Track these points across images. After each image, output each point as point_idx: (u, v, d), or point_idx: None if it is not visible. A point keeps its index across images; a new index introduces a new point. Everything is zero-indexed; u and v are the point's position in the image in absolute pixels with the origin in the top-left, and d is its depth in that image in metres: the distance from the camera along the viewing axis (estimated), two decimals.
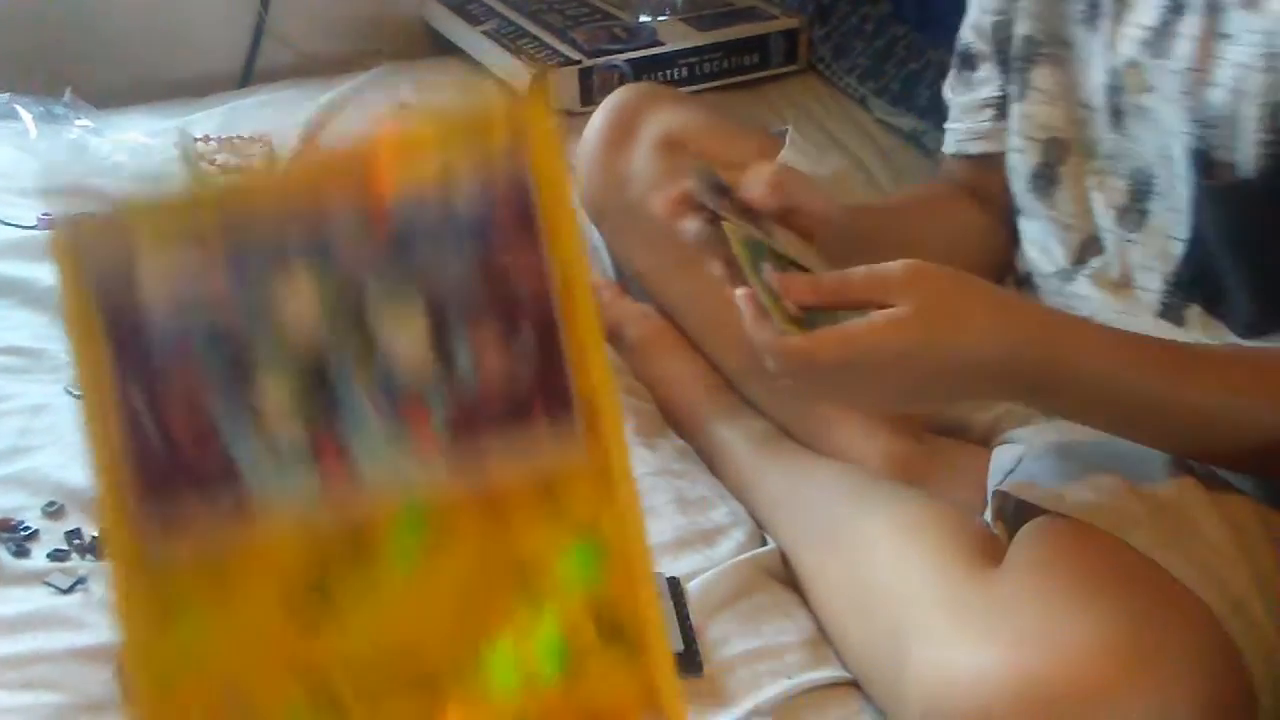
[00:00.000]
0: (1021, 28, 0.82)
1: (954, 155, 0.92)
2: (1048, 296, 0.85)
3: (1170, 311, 0.77)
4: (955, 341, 0.64)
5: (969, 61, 0.90)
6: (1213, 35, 0.68)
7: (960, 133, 0.92)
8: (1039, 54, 0.80)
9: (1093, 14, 0.76)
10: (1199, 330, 0.76)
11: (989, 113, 0.89)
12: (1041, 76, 0.81)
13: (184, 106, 1.37)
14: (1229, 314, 0.74)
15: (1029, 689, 0.60)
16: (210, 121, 1.34)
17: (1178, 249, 0.75)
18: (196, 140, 1.29)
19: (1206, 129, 0.70)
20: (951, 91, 0.92)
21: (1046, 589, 0.64)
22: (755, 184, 0.73)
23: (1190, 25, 0.69)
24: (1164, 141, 0.73)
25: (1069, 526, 0.68)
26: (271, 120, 1.34)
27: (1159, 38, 0.71)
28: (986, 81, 0.88)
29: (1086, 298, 0.81)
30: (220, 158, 1.27)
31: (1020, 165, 0.84)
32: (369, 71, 1.46)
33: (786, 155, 0.93)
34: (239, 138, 1.31)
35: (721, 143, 0.98)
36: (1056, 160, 0.81)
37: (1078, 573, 0.65)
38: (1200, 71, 0.69)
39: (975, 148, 0.90)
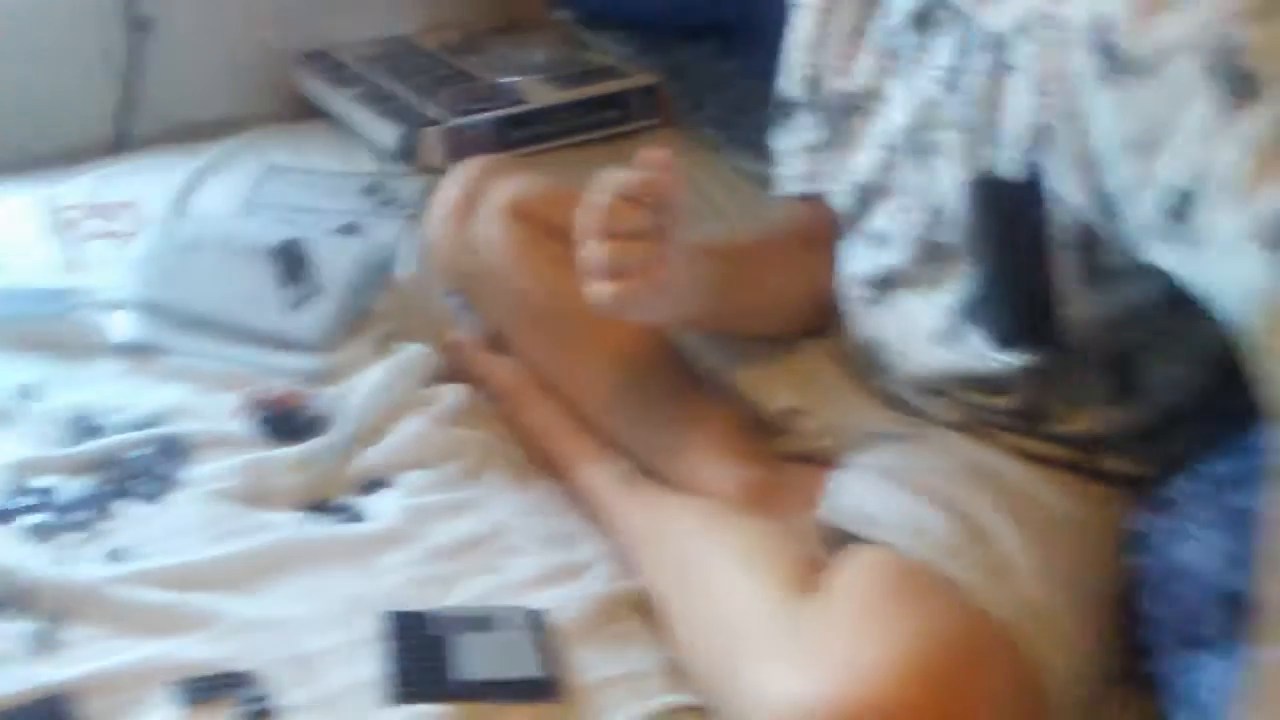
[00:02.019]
0: (836, 82, 0.89)
1: (784, 196, 1.00)
2: (857, 316, 0.92)
3: (949, 328, 0.83)
4: None
5: (787, 110, 0.97)
6: (999, 68, 0.75)
7: (786, 175, 0.99)
8: (853, 107, 0.88)
9: (899, 66, 0.83)
10: (978, 346, 0.81)
11: (808, 156, 0.96)
12: (852, 125, 0.88)
13: (53, 175, 1.37)
14: (986, 327, 0.80)
15: (838, 712, 0.65)
16: (79, 189, 1.34)
17: (966, 273, 0.81)
18: (67, 208, 1.30)
19: (984, 149, 0.76)
20: (776, 140, 1.00)
21: (853, 612, 0.70)
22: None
23: (979, 61, 0.76)
24: (957, 173, 0.79)
25: (879, 551, 0.74)
26: (142, 186, 1.35)
27: (953, 75, 0.78)
28: (804, 128, 0.96)
29: (887, 321, 0.88)
30: (89, 225, 1.29)
31: (836, 202, 0.92)
32: (239, 136, 1.49)
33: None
34: (109, 204, 1.32)
35: (561, 206, 1.04)
36: (864, 201, 0.88)
37: (883, 594, 0.70)
38: (991, 104, 0.75)
39: (800, 188, 0.98)
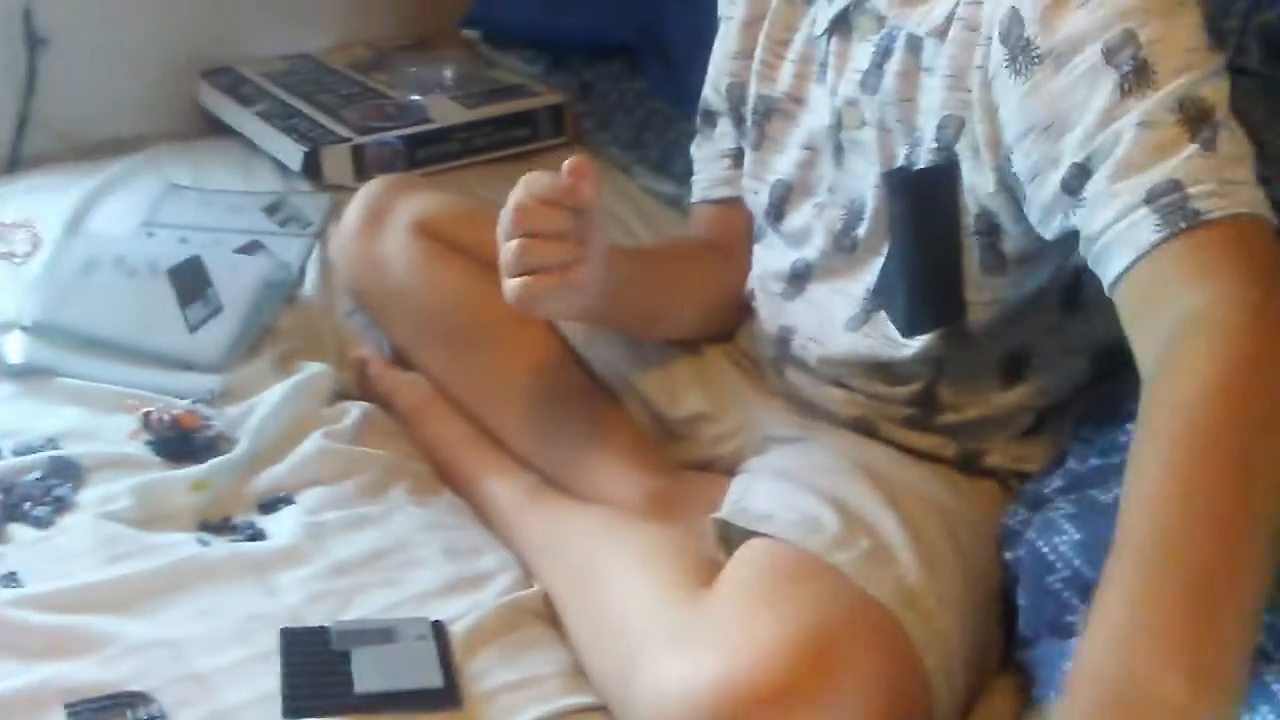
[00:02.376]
0: (762, 89, 0.93)
1: (699, 202, 1.03)
2: (771, 309, 0.95)
3: (863, 315, 0.87)
4: None
5: (709, 119, 1.01)
6: (915, 69, 0.80)
7: (703, 181, 1.03)
8: (775, 109, 0.92)
9: (822, 71, 0.88)
10: (885, 327, 0.85)
11: (727, 162, 1.00)
12: (774, 128, 0.92)
13: None
14: (894, 311, 0.84)
15: (728, 693, 0.67)
16: None
17: (879, 264, 0.85)
18: None
19: (902, 146, 0.81)
20: (696, 148, 1.03)
21: (743, 601, 0.73)
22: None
23: (895, 63, 0.81)
24: (874, 170, 0.84)
25: (770, 545, 0.77)
26: (38, 206, 1.33)
27: (870, 77, 0.83)
28: (725, 135, 0.99)
29: (802, 312, 0.91)
30: None
31: (754, 203, 0.95)
32: (139, 153, 1.47)
33: None
34: (2, 225, 1.30)
35: (468, 224, 1.06)
36: (784, 198, 0.92)
37: (771, 584, 0.73)
38: (908, 101, 0.80)
39: (717, 193, 1.01)
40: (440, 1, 1.75)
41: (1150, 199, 0.65)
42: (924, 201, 0.80)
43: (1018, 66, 0.72)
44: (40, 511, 0.89)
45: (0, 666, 0.75)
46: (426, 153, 1.47)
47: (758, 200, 0.95)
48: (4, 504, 0.90)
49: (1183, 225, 0.64)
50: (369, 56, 1.68)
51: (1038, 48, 0.71)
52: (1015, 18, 0.72)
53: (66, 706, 0.73)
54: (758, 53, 0.93)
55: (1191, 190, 0.65)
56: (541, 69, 1.64)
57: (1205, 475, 0.57)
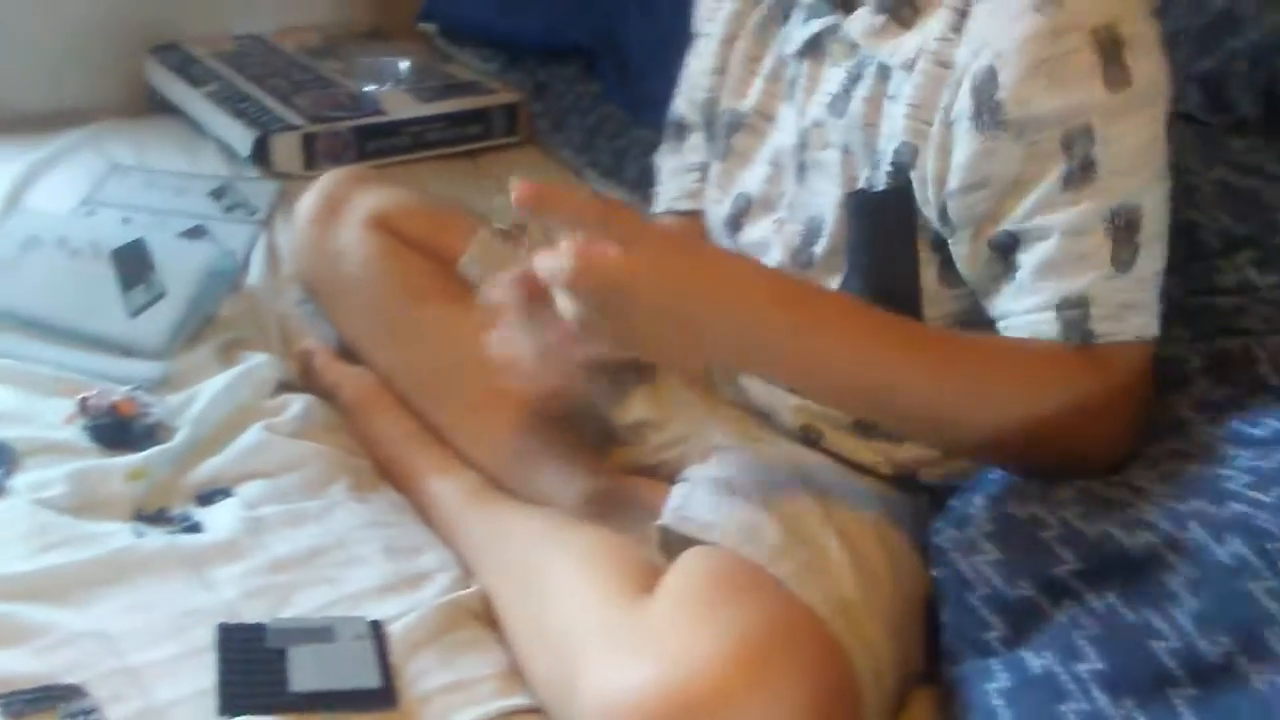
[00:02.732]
0: (731, 103, 0.94)
1: (664, 212, 1.04)
2: None
3: None
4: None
5: (680, 131, 1.02)
6: (881, 96, 0.82)
7: (671, 192, 1.04)
8: (743, 124, 0.93)
9: (791, 90, 0.90)
10: None
11: (695, 175, 1.01)
12: (740, 141, 0.93)
13: None
14: None
15: (666, 701, 0.68)
16: None
17: (836, 283, 0.87)
18: None
19: (864, 169, 0.84)
20: (662, 158, 1.05)
21: (684, 608, 0.74)
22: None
23: (864, 89, 0.84)
24: (835, 190, 0.86)
25: (711, 552, 0.78)
26: None
27: (839, 101, 0.85)
28: (695, 149, 1.01)
29: None
30: None
31: (715, 214, 0.96)
32: (82, 129, 1.44)
33: (484, 233, 1.01)
34: None
35: (424, 220, 1.06)
36: (744, 211, 0.94)
37: (711, 592, 0.75)
38: (872, 126, 0.83)
39: (683, 205, 1.02)
40: None
41: (1061, 307, 0.75)
42: (882, 221, 0.83)
43: (982, 122, 0.75)
44: None
45: None
46: (378, 144, 1.47)
47: (718, 210, 0.96)
48: None
49: (1076, 340, 0.75)
50: (319, 42, 1.67)
51: (1005, 114, 0.74)
52: (991, 77, 0.75)
53: None
54: (734, 69, 0.94)
55: (1094, 311, 0.75)
56: (497, 67, 1.64)
57: (961, 359, 0.76)
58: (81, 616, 0.79)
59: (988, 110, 0.75)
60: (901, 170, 0.81)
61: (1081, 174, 0.73)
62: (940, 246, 0.82)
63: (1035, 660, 0.69)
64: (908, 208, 0.82)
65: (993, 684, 0.70)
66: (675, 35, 1.03)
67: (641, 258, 0.71)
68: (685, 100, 1.01)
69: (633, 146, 1.47)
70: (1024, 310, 0.77)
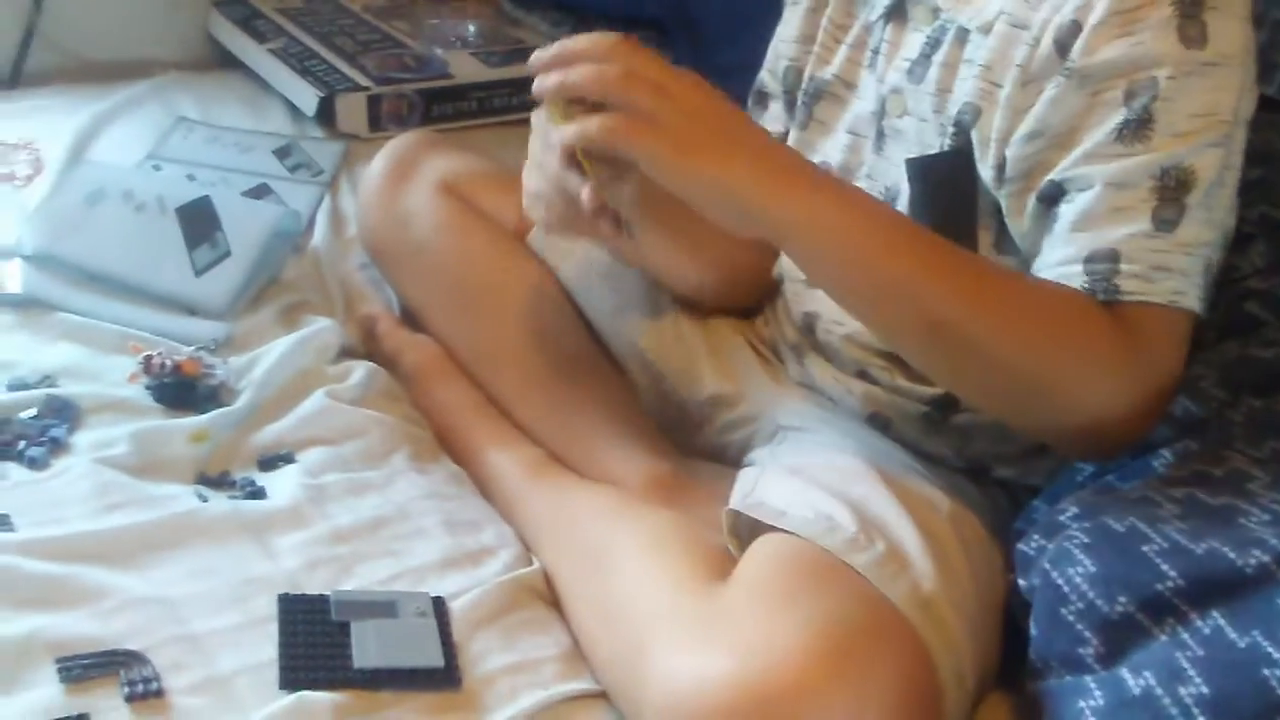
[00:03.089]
0: (815, 71, 0.92)
1: None
2: (793, 294, 0.94)
3: None
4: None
5: (762, 100, 0.99)
6: (959, 61, 0.81)
7: None
8: (824, 92, 0.91)
9: (874, 58, 0.88)
10: None
11: None
12: (822, 109, 0.91)
13: None
14: None
15: (743, 693, 0.66)
16: None
17: None
18: None
19: (941, 139, 0.82)
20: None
21: (761, 599, 0.72)
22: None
23: (942, 54, 0.82)
24: (914, 154, 0.84)
25: (787, 541, 0.76)
26: (41, 127, 1.29)
27: (917, 66, 0.83)
28: (775, 119, 0.98)
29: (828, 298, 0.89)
30: None
31: None
32: (146, 81, 1.43)
33: None
34: (4, 144, 1.25)
35: (495, 188, 1.04)
36: None
37: (789, 583, 0.73)
38: (946, 92, 0.81)
39: None
40: None
41: (1089, 260, 0.72)
42: (941, 184, 0.82)
43: (1053, 72, 0.75)
44: (35, 452, 0.86)
45: None
46: (442, 108, 1.44)
47: None
48: None
49: (1101, 297, 0.72)
50: (386, 2, 1.64)
51: (1073, 61, 0.74)
52: (1075, 30, 0.74)
53: (57, 661, 0.71)
54: (819, 36, 0.92)
55: (1123, 267, 0.72)
56: (566, 32, 1.60)
57: (995, 290, 0.73)
58: (144, 580, 0.78)
59: (1060, 60, 0.74)
60: (963, 131, 0.80)
61: (1138, 127, 0.71)
62: (996, 213, 0.80)
63: (1134, 681, 0.66)
64: (966, 170, 0.80)
65: (1088, 702, 0.67)
66: (748, 5, 1.01)
67: (681, 74, 0.71)
68: (768, 70, 0.98)
69: None
70: (1055, 262, 0.74)
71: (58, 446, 0.88)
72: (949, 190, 0.81)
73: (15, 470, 0.85)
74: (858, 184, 0.89)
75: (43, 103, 1.36)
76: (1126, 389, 0.73)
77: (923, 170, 0.82)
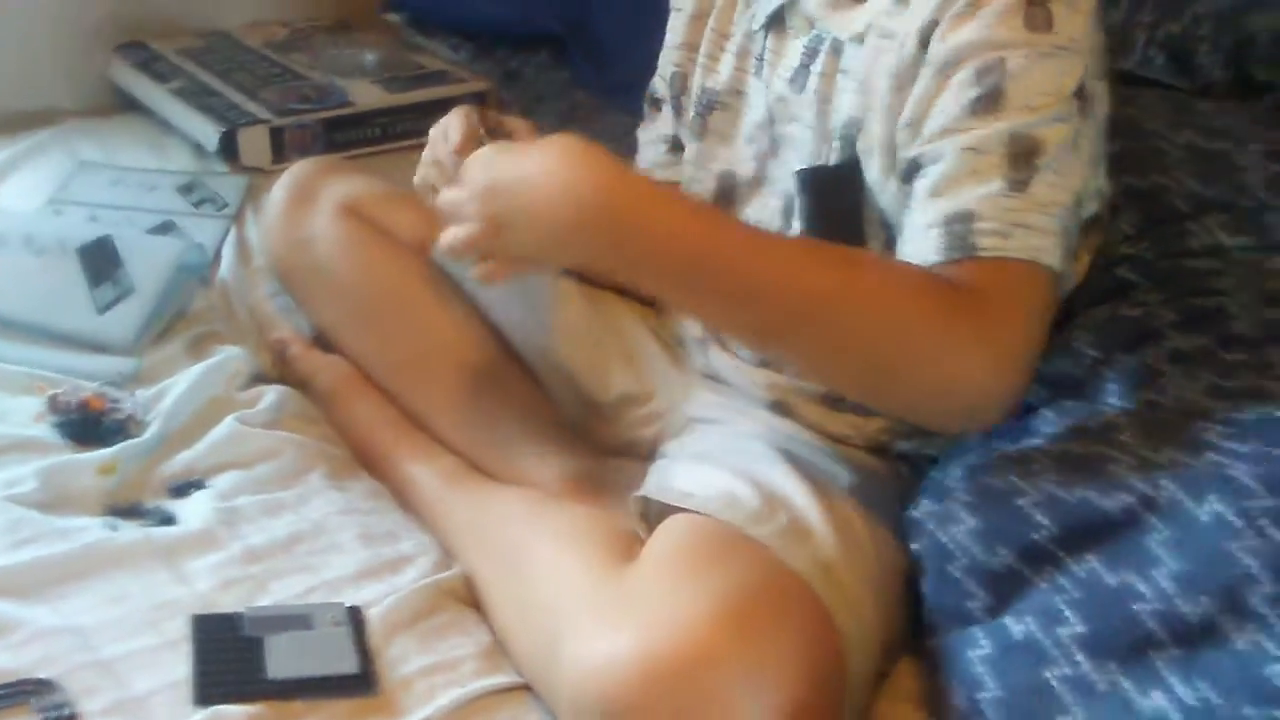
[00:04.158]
0: (705, 81, 0.95)
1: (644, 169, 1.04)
2: None
3: None
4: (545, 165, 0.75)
5: (655, 104, 1.03)
6: (835, 71, 0.84)
7: (645, 163, 1.04)
8: (716, 102, 0.94)
9: (759, 66, 0.91)
10: None
11: (664, 146, 1.02)
12: (717, 120, 0.94)
13: None
14: None
15: (650, 665, 0.68)
16: None
17: None
18: None
19: (824, 145, 0.85)
20: (641, 131, 1.05)
21: (666, 575, 0.74)
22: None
23: (819, 64, 0.85)
24: (803, 163, 0.86)
25: (691, 520, 0.78)
26: None
27: (799, 75, 0.86)
28: (666, 121, 1.01)
29: None
30: None
31: (698, 193, 0.96)
32: (48, 128, 1.43)
33: None
34: None
35: (396, 207, 1.06)
36: (730, 189, 0.94)
37: (693, 557, 0.74)
38: (826, 102, 0.84)
39: (658, 175, 1.03)
40: None
41: (946, 222, 0.74)
42: (826, 195, 0.84)
43: (920, 66, 0.78)
44: None
45: None
46: (345, 136, 1.46)
47: (701, 189, 0.96)
48: None
49: (957, 256, 0.73)
50: (286, 36, 1.65)
51: (931, 52, 0.77)
52: (933, 26, 0.77)
53: None
54: (704, 46, 0.95)
55: (978, 225, 0.73)
56: (466, 56, 1.63)
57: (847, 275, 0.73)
58: (54, 612, 0.78)
59: (924, 54, 0.77)
60: (848, 144, 0.82)
61: (989, 102, 0.74)
62: (884, 224, 0.82)
63: (1017, 626, 0.69)
64: (851, 182, 0.82)
65: (976, 651, 0.70)
66: (646, 19, 1.03)
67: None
68: (660, 75, 1.01)
69: (605, 132, 1.45)
70: (913, 233, 0.75)
71: None
72: (835, 201, 0.83)
73: None
74: (758, 190, 0.91)
75: None
76: (989, 361, 0.72)
77: (809, 182, 0.85)
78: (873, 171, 0.81)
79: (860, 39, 0.82)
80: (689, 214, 0.76)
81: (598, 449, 1.00)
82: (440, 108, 1.52)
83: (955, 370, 0.72)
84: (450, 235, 0.80)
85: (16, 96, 1.50)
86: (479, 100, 1.54)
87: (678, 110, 0.99)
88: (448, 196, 0.81)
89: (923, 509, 0.82)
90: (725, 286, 0.74)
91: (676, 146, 1.01)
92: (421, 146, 1.47)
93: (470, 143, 0.86)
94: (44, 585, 0.80)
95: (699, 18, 0.96)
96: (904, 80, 0.78)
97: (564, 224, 0.74)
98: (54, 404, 0.96)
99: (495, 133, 0.88)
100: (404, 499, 0.98)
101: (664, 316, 1.03)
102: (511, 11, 1.63)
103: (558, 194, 0.74)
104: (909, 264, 0.75)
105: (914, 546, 0.81)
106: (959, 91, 0.75)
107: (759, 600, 0.71)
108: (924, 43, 0.77)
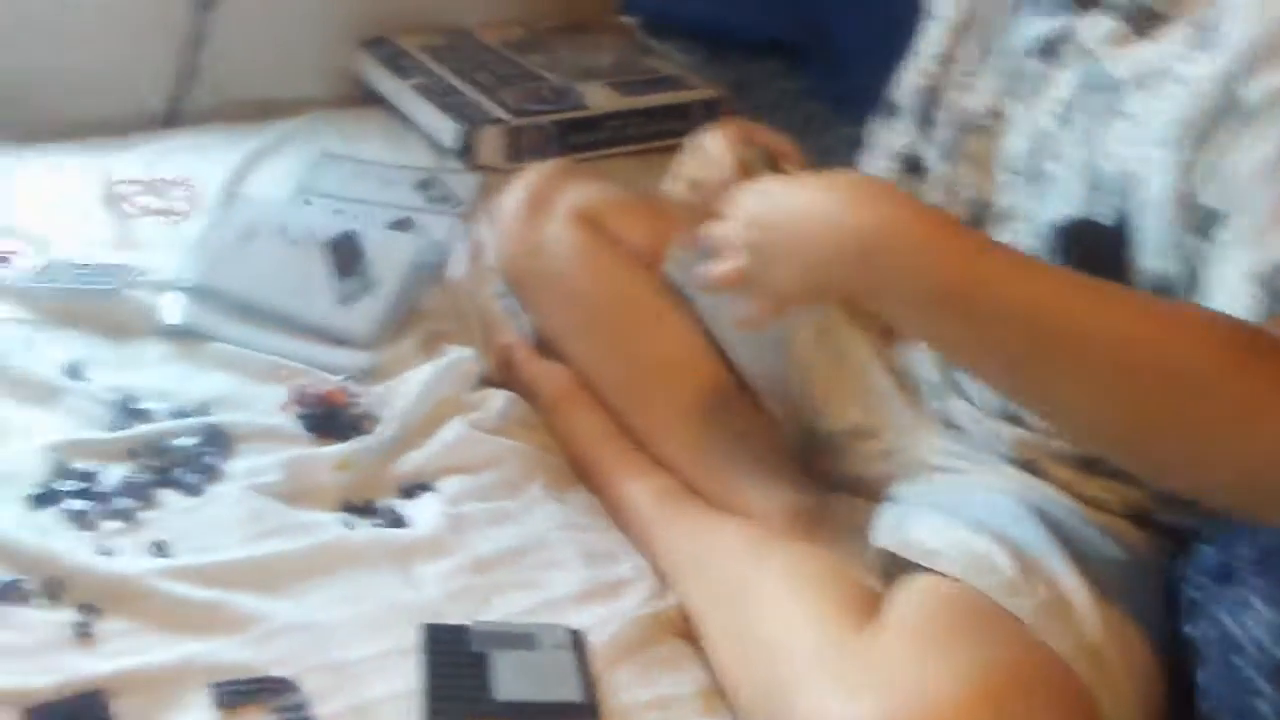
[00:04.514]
0: (963, 100, 0.88)
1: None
2: None
3: None
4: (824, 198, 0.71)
5: (892, 111, 0.97)
6: (1111, 113, 0.76)
7: (871, 168, 0.99)
8: (973, 124, 0.87)
9: (1024, 91, 0.83)
10: None
11: (897, 164, 0.97)
12: (972, 143, 0.87)
13: (107, 145, 1.36)
14: None
15: None
16: (134, 163, 1.33)
17: None
18: (120, 182, 1.29)
19: (1093, 192, 0.77)
20: (877, 129, 1.00)
21: (915, 642, 0.69)
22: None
23: (1093, 102, 0.77)
24: (1066, 206, 0.79)
25: (941, 582, 0.73)
26: (197, 164, 1.34)
27: (1068, 111, 0.79)
28: (900, 134, 0.96)
29: None
30: (143, 200, 1.28)
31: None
32: (295, 118, 1.48)
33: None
34: (162, 180, 1.31)
35: (631, 217, 1.04)
36: (981, 218, 0.87)
37: (945, 626, 0.70)
38: (1095, 143, 0.76)
39: None
40: None
41: (1260, 275, 0.65)
42: (1090, 254, 0.76)
43: (1224, 120, 0.68)
44: (191, 479, 0.89)
45: (148, 639, 0.75)
46: (578, 139, 1.45)
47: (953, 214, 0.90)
48: (157, 468, 0.90)
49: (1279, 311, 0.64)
50: (523, 35, 1.67)
51: (1237, 100, 0.68)
52: (1240, 73, 0.68)
53: (212, 686, 0.72)
54: (964, 64, 0.89)
55: None
56: (698, 60, 1.61)
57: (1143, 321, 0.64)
58: (294, 607, 0.80)
59: (1229, 106, 0.68)
60: (1121, 197, 0.74)
61: None
62: (1161, 288, 0.73)
63: None
64: (1120, 242, 0.74)
65: None
66: (889, 26, 0.98)
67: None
68: (905, 83, 0.95)
69: (838, 145, 1.41)
70: (1219, 283, 0.66)
71: (213, 473, 0.90)
72: (1098, 259, 0.75)
73: (173, 497, 0.88)
74: (1013, 225, 0.85)
75: (198, 141, 1.41)
76: None
77: (1072, 237, 0.78)
78: (1152, 228, 0.73)
79: (1143, 83, 0.73)
80: (1019, 265, 0.69)
81: (817, 482, 0.96)
82: (671, 113, 1.54)
83: (1275, 442, 0.61)
84: (718, 269, 0.77)
85: (268, 85, 1.56)
86: (711, 109, 1.52)
87: (922, 125, 0.93)
88: (721, 230, 0.77)
89: (1203, 590, 0.75)
90: (996, 324, 0.67)
91: (911, 166, 0.95)
92: (649, 151, 1.50)
93: (741, 174, 0.82)
94: (284, 579, 0.81)
95: (960, 29, 0.89)
96: (1202, 131, 0.69)
97: (845, 257, 0.70)
98: (298, 395, 0.99)
99: (761, 161, 0.84)
100: (619, 516, 0.96)
101: (897, 350, 0.98)
102: (747, 17, 1.59)
103: (838, 230, 0.70)
104: (1214, 310, 0.67)
105: (1190, 630, 0.74)
106: (1263, 135, 0.66)
107: (1016, 681, 0.66)
108: (1228, 90, 0.69)
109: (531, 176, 1.10)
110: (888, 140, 0.98)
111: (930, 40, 0.92)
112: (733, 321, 0.80)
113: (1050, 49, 0.81)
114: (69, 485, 0.86)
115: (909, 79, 0.95)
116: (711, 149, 0.87)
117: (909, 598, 0.74)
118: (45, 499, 0.85)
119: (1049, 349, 0.65)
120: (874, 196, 0.70)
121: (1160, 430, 0.64)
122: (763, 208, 0.75)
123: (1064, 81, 0.79)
